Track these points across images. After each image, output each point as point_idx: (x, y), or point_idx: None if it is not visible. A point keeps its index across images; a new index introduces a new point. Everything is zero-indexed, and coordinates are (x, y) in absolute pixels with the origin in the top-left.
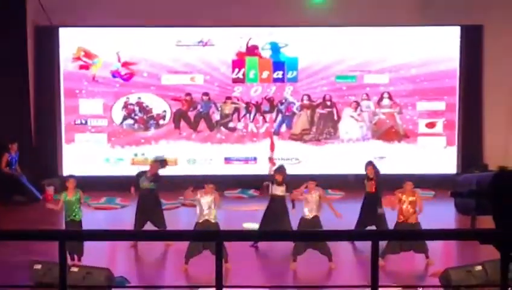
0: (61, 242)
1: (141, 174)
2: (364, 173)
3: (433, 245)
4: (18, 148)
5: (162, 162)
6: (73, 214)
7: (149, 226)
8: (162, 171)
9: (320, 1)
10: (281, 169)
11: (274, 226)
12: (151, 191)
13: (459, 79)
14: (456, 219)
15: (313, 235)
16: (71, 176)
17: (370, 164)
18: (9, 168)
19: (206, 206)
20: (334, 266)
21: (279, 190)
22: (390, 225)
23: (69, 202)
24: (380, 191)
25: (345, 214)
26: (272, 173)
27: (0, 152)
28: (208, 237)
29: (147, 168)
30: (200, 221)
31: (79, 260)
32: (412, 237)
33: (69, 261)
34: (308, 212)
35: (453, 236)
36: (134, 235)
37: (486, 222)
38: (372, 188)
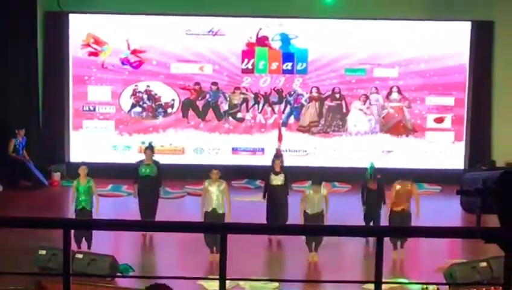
0: (65, 230)
1: (139, 163)
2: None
3: (438, 240)
4: (25, 133)
5: (152, 148)
6: (85, 203)
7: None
8: (169, 160)
9: (331, 2)
10: (278, 156)
11: (275, 217)
12: (151, 179)
13: (469, 75)
14: (462, 215)
15: (318, 230)
16: (83, 164)
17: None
18: (16, 153)
19: (215, 196)
20: (316, 259)
21: (276, 180)
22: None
23: (80, 190)
24: (382, 190)
25: (352, 207)
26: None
27: (8, 138)
28: (213, 230)
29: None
30: (209, 210)
31: (88, 247)
32: (417, 234)
33: (74, 248)
34: (310, 209)
35: (458, 234)
36: (138, 226)
37: (492, 221)
38: (373, 187)
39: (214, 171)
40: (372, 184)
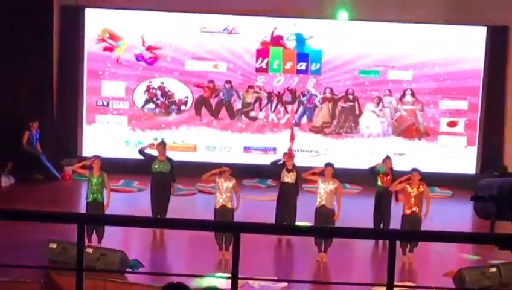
0: (79, 225)
1: (153, 159)
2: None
3: (448, 245)
4: (39, 126)
5: (164, 144)
6: (96, 195)
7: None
8: (181, 157)
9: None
10: (289, 153)
11: (285, 215)
12: (163, 175)
13: (483, 79)
14: (473, 220)
15: (331, 232)
16: (97, 157)
17: (388, 158)
18: (30, 146)
19: (226, 192)
20: (326, 259)
21: (288, 177)
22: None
23: (93, 182)
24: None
25: (362, 208)
26: (282, 158)
27: (22, 130)
28: (226, 228)
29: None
30: (217, 207)
31: (99, 242)
32: (430, 239)
33: (85, 242)
34: (319, 202)
35: (472, 240)
36: (152, 223)
37: (505, 227)
38: (386, 183)
39: (225, 169)
40: (385, 181)
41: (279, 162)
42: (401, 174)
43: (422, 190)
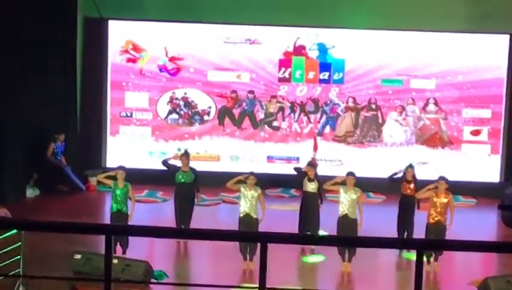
0: (108, 236)
1: (176, 169)
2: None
3: (472, 253)
4: (64, 139)
5: (188, 154)
6: (121, 206)
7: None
8: (205, 167)
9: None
10: (311, 163)
11: (307, 225)
12: (187, 185)
13: (506, 88)
14: (498, 228)
15: (356, 242)
16: (121, 168)
17: (411, 166)
18: (55, 157)
19: (251, 201)
20: (350, 269)
21: (310, 187)
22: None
23: (118, 193)
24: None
25: (386, 217)
26: (304, 168)
27: (45, 142)
28: (253, 238)
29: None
30: (242, 215)
31: (124, 252)
32: (457, 248)
33: None
34: (342, 211)
35: (500, 249)
36: (180, 233)
37: None
38: (409, 191)
39: (250, 177)
40: (407, 188)
41: (303, 170)
42: (424, 183)
43: (448, 198)
